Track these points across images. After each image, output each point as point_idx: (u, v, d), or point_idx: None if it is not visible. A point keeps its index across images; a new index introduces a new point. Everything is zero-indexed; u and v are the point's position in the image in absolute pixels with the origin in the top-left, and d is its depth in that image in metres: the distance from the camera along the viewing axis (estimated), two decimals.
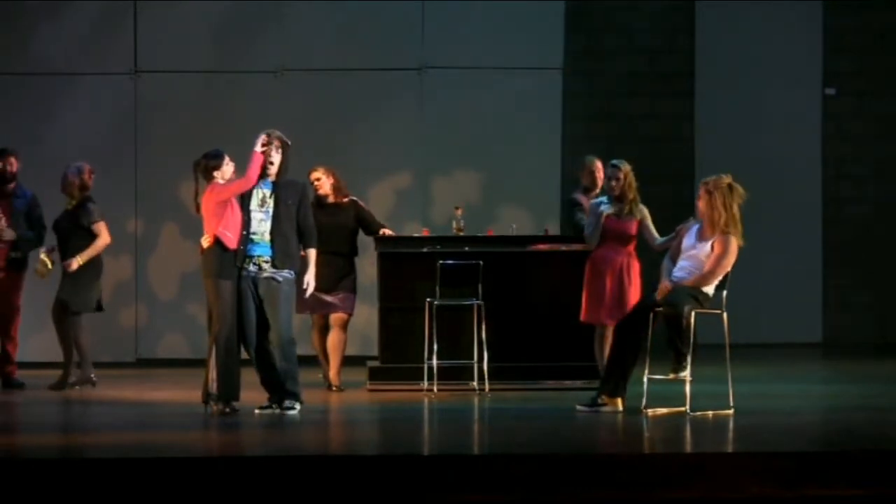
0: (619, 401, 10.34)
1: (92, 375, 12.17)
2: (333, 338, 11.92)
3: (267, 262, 10.31)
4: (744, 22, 16.23)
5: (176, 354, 14.64)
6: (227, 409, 10.26)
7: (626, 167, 11.27)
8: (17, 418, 10.84)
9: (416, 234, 12.72)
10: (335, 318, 11.93)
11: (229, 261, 10.30)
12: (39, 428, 10.23)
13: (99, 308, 12.31)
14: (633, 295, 11.13)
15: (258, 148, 10.32)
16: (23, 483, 7.95)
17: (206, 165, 10.42)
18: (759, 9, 16.17)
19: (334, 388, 11.92)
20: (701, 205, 10.25)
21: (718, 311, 10.25)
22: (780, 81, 16.23)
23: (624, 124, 15.92)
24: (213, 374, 10.40)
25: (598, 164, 11.79)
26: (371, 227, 12.14)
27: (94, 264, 12.17)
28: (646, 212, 11.32)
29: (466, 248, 12.01)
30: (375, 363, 12.22)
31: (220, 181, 10.39)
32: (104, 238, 12.20)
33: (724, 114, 16.18)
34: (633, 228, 11.23)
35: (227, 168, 10.46)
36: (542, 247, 12.16)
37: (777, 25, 16.26)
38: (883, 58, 16.32)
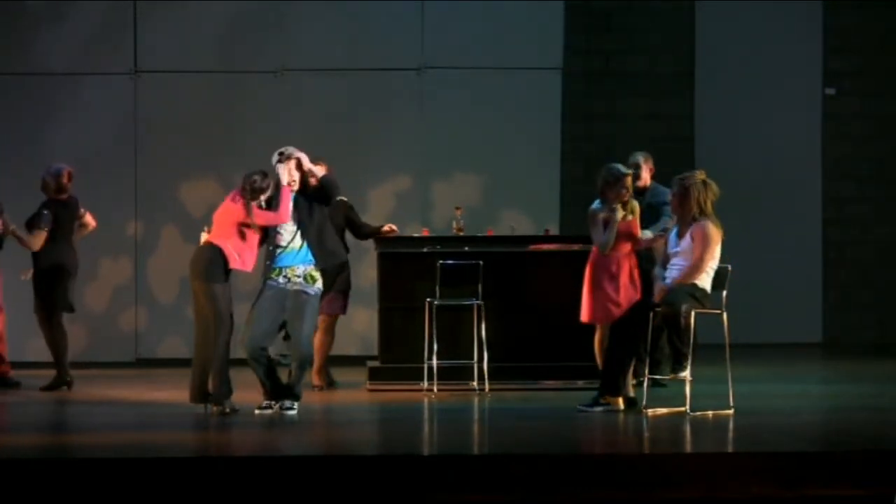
0: (621, 400, 10.35)
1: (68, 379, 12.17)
2: (317, 339, 11.88)
3: (298, 275, 10.28)
4: (744, 22, 16.22)
5: (175, 355, 14.63)
6: (228, 410, 10.25)
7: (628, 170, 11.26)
8: (14, 418, 10.83)
9: (415, 235, 12.71)
10: (322, 319, 11.90)
11: (221, 265, 10.26)
12: (38, 428, 10.23)
13: (69, 309, 12.25)
14: (638, 293, 11.09)
15: (284, 180, 10.27)
16: (21, 483, 7.95)
17: (260, 188, 10.32)
18: (759, 9, 16.17)
19: (315, 388, 11.91)
20: (675, 202, 10.27)
21: (718, 311, 10.25)
22: (780, 81, 16.23)
23: (624, 124, 15.92)
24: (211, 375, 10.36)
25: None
26: (361, 230, 12.15)
27: (58, 266, 12.11)
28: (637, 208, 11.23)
29: (466, 248, 12.02)
30: (375, 363, 12.22)
31: (264, 205, 10.34)
32: (33, 244, 12.07)
33: (724, 114, 16.18)
34: (637, 227, 11.14)
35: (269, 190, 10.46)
36: (544, 247, 12.15)
37: (777, 25, 16.25)
38: (883, 58, 16.31)
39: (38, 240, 12.07)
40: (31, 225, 12.13)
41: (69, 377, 12.15)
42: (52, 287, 12.09)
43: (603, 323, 11.06)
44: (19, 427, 10.25)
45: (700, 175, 10.22)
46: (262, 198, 10.32)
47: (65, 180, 12.22)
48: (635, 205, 11.06)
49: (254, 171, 10.38)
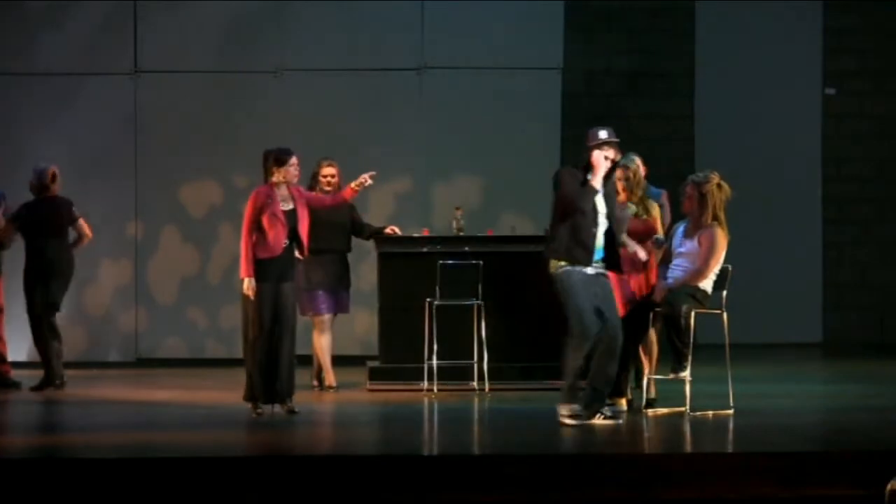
0: (624, 401, 10.35)
1: (58, 381, 12.14)
2: (327, 339, 11.93)
3: (601, 266, 9.85)
4: (744, 22, 16.23)
5: (175, 355, 14.64)
6: (295, 409, 10.32)
7: (633, 165, 11.11)
8: (14, 418, 10.83)
9: (415, 234, 12.71)
10: (330, 319, 11.94)
11: (264, 266, 10.27)
12: (38, 428, 10.24)
13: (53, 308, 12.20)
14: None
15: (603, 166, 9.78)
16: (21, 483, 7.95)
17: (275, 158, 10.37)
18: (759, 9, 16.17)
19: (332, 389, 11.94)
20: (688, 203, 10.26)
21: (718, 311, 10.25)
22: (780, 81, 16.23)
23: (624, 124, 15.91)
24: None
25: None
26: (363, 230, 12.16)
27: (40, 265, 12.08)
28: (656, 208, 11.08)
29: (466, 249, 12.02)
30: (375, 363, 12.23)
31: (276, 180, 10.34)
32: None
33: (724, 114, 16.18)
34: (657, 226, 10.96)
35: (291, 169, 10.40)
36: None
37: (777, 25, 16.26)
38: (883, 58, 16.31)
39: (7, 233, 12.09)
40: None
41: (58, 379, 12.10)
42: (36, 287, 12.05)
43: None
44: (19, 427, 10.25)
45: (715, 179, 10.21)
46: (277, 173, 10.32)
47: (48, 180, 12.17)
48: (652, 205, 10.92)
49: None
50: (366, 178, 10.82)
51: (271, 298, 10.27)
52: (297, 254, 10.49)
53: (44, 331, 12.11)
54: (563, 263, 9.73)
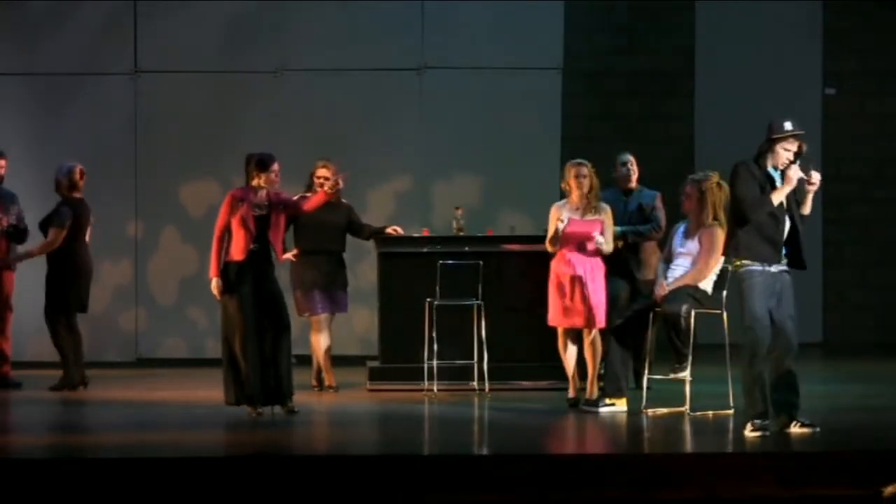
0: (624, 401, 10.36)
1: (76, 378, 12.11)
2: (325, 339, 11.94)
3: (784, 264, 9.41)
4: (744, 22, 16.22)
5: (175, 355, 14.64)
6: (294, 409, 10.35)
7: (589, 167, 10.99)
8: (15, 418, 10.84)
9: (416, 234, 12.71)
10: (327, 318, 11.95)
11: (237, 268, 10.27)
12: (38, 428, 10.24)
13: (82, 309, 12.20)
14: (597, 295, 10.75)
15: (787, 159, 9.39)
16: (22, 483, 7.96)
17: (256, 162, 10.34)
18: (759, 9, 16.17)
19: (332, 389, 11.95)
20: (687, 203, 10.28)
21: (718, 311, 10.26)
22: (780, 81, 16.22)
23: (624, 124, 15.92)
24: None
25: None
26: (362, 230, 12.15)
27: (74, 266, 12.06)
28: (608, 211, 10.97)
29: (466, 249, 12.02)
30: (375, 363, 12.23)
31: (255, 185, 10.33)
32: (49, 242, 11.99)
33: (724, 114, 16.17)
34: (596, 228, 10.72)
35: (272, 175, 10.34)
36: (513, 247, 12.13)
37: (777, 25, 16.25)
38: (883, 58, 16.32)
39: (59, 237, 12.02)
40: (49, 223, 12.05)
41: (78, 378, 12.08)
42: (66, 287, 12.03)
43: (558, 326, 10.85)
44: (20, 427, 10.25)
45: (715, 178, 10.25)
46: (257, 178, 10.29)
47: (77, 177, 12.19)
48: (604, 207, 10.81)
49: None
50: (338, 182, 10.75)
51: (252, 300, 10.24)
52: (290, 255, 10.50)
53: (62, 330, 12.09)
54: (746, 262, 9.26)
